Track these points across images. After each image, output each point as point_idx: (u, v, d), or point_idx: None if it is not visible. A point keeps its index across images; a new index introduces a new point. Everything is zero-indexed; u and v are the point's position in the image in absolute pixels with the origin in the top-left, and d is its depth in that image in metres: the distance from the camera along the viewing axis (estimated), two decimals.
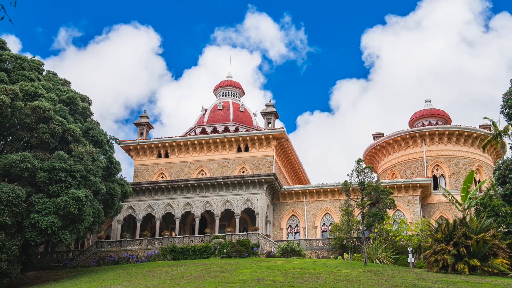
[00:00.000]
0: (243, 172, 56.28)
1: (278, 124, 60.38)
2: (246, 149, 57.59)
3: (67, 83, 46.68)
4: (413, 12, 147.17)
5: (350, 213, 41.92)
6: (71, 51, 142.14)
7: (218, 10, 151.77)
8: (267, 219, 50.40)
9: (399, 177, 56.97)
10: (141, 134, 61.08)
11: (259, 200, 49.35)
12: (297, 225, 52.70)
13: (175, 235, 49.78)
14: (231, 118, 63.50)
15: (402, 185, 50.94)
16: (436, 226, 36.36)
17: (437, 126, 57.54)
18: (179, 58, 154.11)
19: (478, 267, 30.89)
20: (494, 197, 38.44)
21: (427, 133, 56.72)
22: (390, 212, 46.62)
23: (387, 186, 47.51)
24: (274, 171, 54.32)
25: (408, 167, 57.42)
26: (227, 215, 51.84)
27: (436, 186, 54.85)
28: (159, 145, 59.16)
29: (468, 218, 37.23)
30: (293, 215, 53.09)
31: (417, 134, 57.19)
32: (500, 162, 32.54)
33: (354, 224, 43.03)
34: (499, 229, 35.05)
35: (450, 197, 41.95)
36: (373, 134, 62.65)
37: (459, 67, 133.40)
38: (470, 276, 29.44)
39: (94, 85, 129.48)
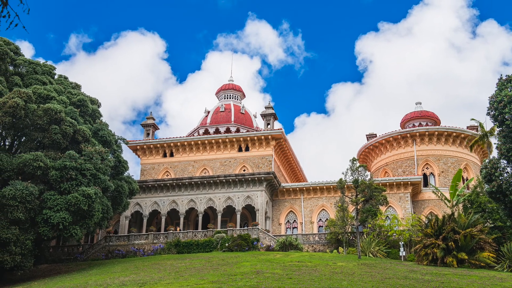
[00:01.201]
0: (244, 170, 56.28)
1: (277, 125, 60.32)
2: (247, 149, 57.58)
3: (77, 86, 46.68)
4: (404, 19, 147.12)
5: (345, 209, 41.94)
6: (81, 56, 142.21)
7: (220, 17, 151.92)
8: (266, 215, 50.41)
9: (391, 175, 56.94)
10: (148, 134, 61.08)
11: (259, 197, 49.35)
12: (295, 220, 52.70)
13: (180, 230, 49.76)
14: (233, 119, 63.49)
15: (394, 183, 50.94)
16: (426, 222, 36.35)
17: (427, 127, 57.48)
18: (183, 62, 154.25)
19: (466, 260, 30.90)
20: (481, 194, 38.40)
21: (417, 133, 56.69)
22: (382, 208, 46.64)
23: (380, 184, 47.59)
24: (273, 170, 54.33)
25: (399, 166, 57.39)
26: (229, 211, 51.85)
27: (426, 184, 54.82)
28: (165, 145, 59.15)
29: (456, 214, 37.22)
30: (291, 211, 53.08)
31: (408, 135, 57.15)
32: (486, 161, 32.47)
33: (349, 220, 43.05)
34: (485, 224, 35.05)
35: (439, 194, 41.86)
36: (366, 135, 62.59)
37: (448, 72, 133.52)
38: (458, 268, 29.46)
39: (103, 88, 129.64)
